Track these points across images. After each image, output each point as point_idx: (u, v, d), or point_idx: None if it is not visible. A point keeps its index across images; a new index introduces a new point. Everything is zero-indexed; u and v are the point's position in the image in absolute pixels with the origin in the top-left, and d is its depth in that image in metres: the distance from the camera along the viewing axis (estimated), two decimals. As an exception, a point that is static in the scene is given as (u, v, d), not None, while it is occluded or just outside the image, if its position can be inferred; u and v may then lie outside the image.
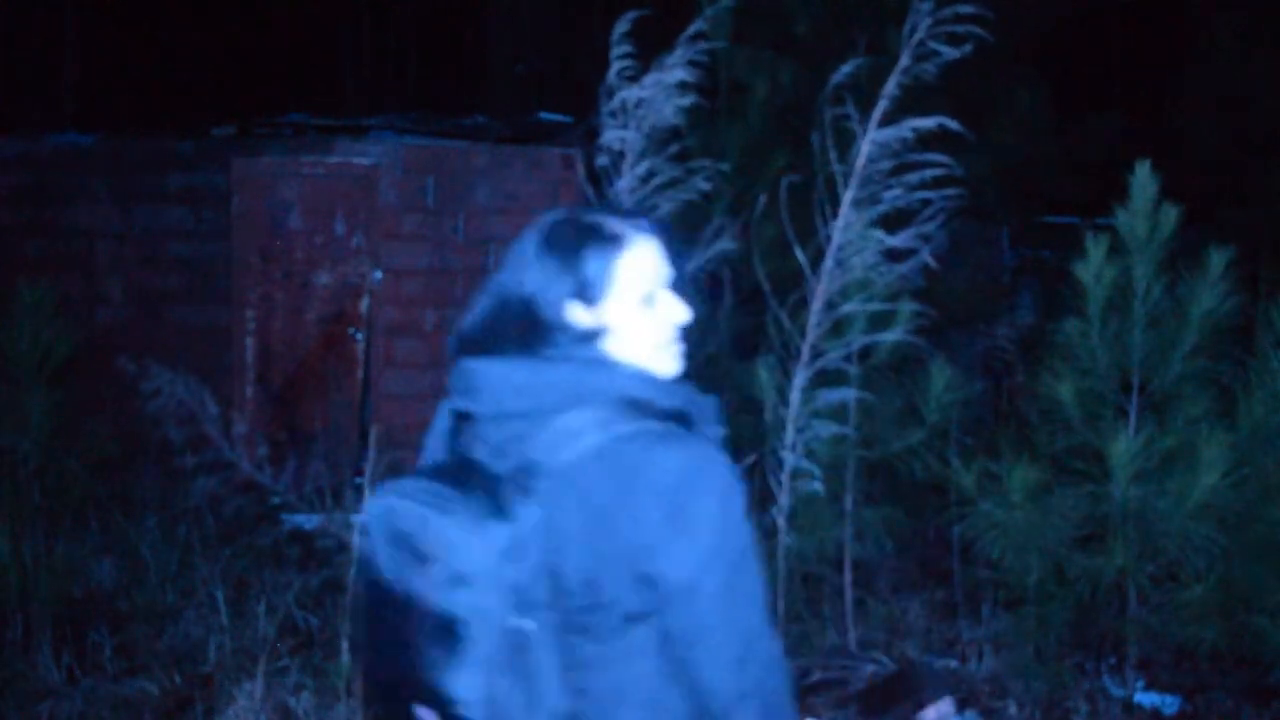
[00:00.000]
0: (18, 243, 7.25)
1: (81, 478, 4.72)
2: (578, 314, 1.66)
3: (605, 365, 1.65)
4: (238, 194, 7.45)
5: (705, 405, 1.70)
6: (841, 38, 5.94)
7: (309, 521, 6.13)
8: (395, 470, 6.15)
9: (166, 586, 5.03)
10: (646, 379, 1.66)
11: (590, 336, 1.66)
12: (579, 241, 1.69)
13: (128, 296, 7.46)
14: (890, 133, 3.56)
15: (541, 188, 7.66)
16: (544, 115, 8.35)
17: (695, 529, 1.54)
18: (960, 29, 3.48)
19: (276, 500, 6.59)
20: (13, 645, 4.41)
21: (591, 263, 1.67)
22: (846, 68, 3.66)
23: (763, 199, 4.13)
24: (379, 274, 7.47)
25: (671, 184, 3.75)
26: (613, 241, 1.69)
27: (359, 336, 7.54)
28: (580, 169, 7.68)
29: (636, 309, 1.68)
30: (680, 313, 1.73)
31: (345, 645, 3.93)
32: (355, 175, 7.49)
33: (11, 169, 7.42)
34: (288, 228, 7.52)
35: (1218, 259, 3.79)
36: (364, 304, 7.53)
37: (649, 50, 3.72)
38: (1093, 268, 3.81)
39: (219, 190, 7.43)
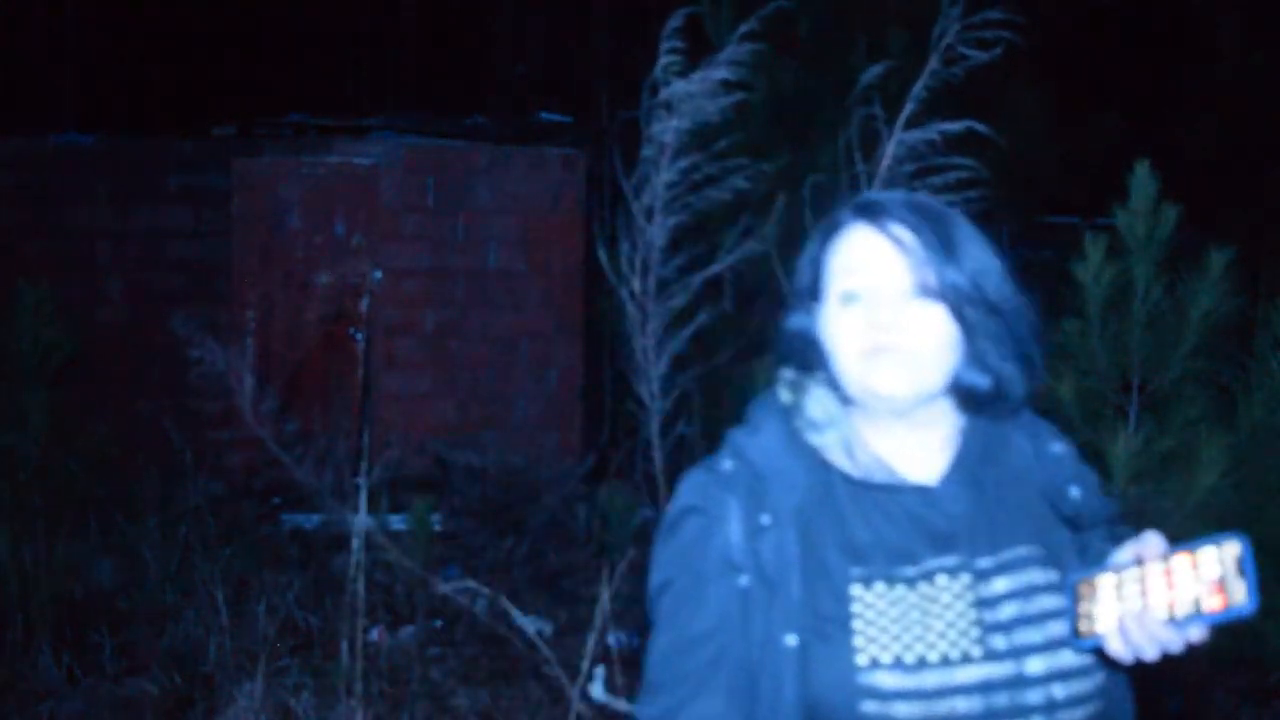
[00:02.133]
0: (18, 243, 7.26)
1: (81, 478, 4.72)
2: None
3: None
4: (238, 194, 7.45)
5: (784, 456, 1.41)
6: (843, 38, 5.94)
7: (309, 521, 6.13)
8: (395, 469, 6.14)
9: (166, 586, 5.03)
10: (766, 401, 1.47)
11: (803, 339, 1.47)
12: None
13: (128, 297, 7.46)
14: (916, 134, 3.55)
15: (542, 188, 7.67)
16: (544, 115, 8.35)
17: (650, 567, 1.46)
18: (990, 34, 3.47)
19: (277, 500, 6.60)
20: (13, 645, 4.42)
21: (804, 253, 1.48)
22: (878, 68, 3.65)
23: (782, 201, 4.13)
24: (379, 274, 7.47)
25: (708, 181, 3.74)
26: (828, 227, 1.46)
27: (359, 336, 7.54)
28: (582, 169, 7.70)
29: (836, 309, 1.41)
30: (869, 324, 1.38)
31: (345, 645, 3.93)
32: (355, 175, 7.49)
33: (12, 169, 7.43)
34: (288, 228, 7.53)
35: (1218, 259, 3.79)
36: (364, 304, 7.53)
37: (647, 49, 3.72)
38: (1091, 268, 3.81)
39: (219, 190, 7.44)
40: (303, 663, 4.31)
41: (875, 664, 1.30)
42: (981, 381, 1.41)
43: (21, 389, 4.56)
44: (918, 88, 3.55)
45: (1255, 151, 7.90)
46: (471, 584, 3.99)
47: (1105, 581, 1.26)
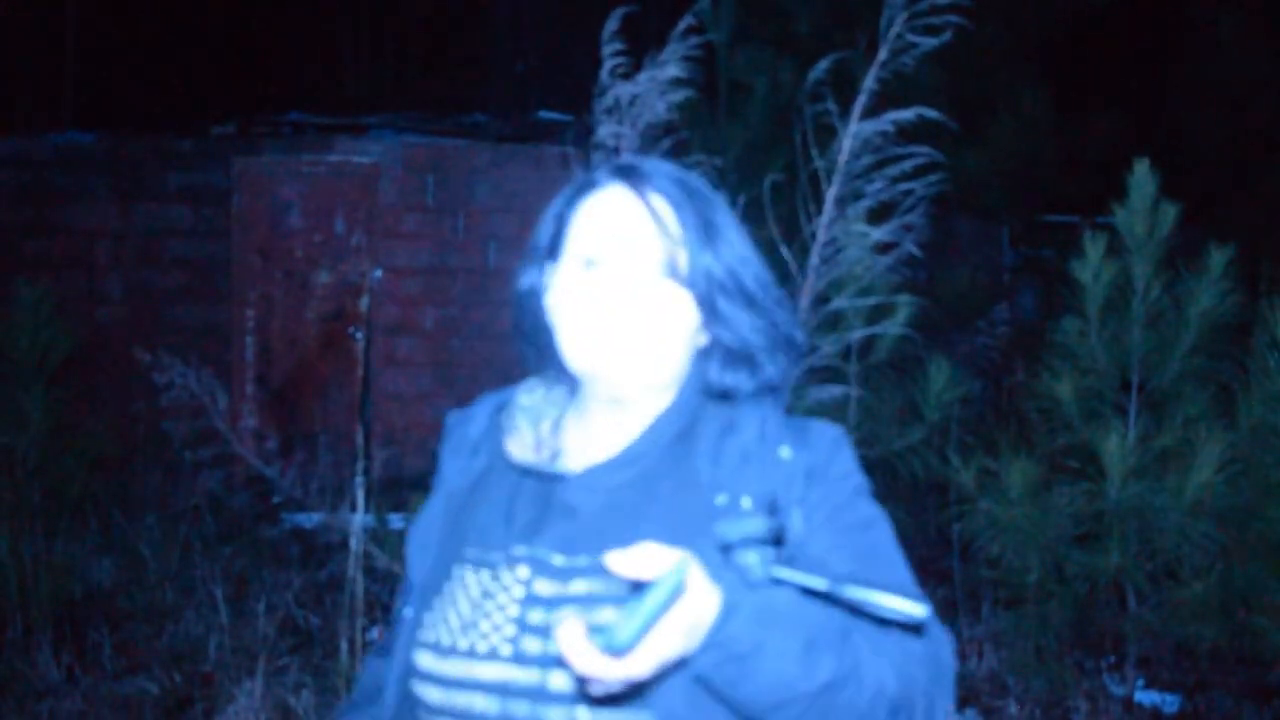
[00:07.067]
0: (18, 242, 7.26)
1: (80, 476, 4.72)
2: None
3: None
4: (238, 192, 7.45)
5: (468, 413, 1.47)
6: (843, 37, 5.93)
7: (309, 520, 6.13)
8: (394, 468, 6.13)
9: (166, 585, 5.03)
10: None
11: (533, 301, 1.39)
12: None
13: (127, 295, 7.46)
14: (871, 125, 3.55)
15: (541, 186, 7.66)
16: (544, 114, 8.34)
17: None
18: (939, 20, 3.47)
19: (277, 499, 6.60)
20: (12, 644, 4.41)
21: (550, 207, 1.41)
22: (824, 63, 3.66)
23: (743, 198, 4.13)
24: (379, 272, 7.47)
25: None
26: (582, 183, 1.39)
27: (359, 335, 7.53)
28: (581, 168, 7.68)
29: (572, 272, 1.32)
30: (603, 298, 1.26)
31: (344, 644, 3.93)
32: (355, 174, 7.49)
33: (11, 168, 7.42)
34: (288, 226, 7.53)
35: (1217, 257, 3.79)
36: (364, 302, 7.53)
37: (647, 47, 3.72)
38: (1090, 266, 3.81)
39: (219, 189, 7.44)
40: (302, 661, 4.31)
41: (423, 643, 1.26)
42: (724, 378, 1.31)
43: (21, 387, 4.56)
44: (869, 80, 3.54)
45: (1255, 149, 7.90)
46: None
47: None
